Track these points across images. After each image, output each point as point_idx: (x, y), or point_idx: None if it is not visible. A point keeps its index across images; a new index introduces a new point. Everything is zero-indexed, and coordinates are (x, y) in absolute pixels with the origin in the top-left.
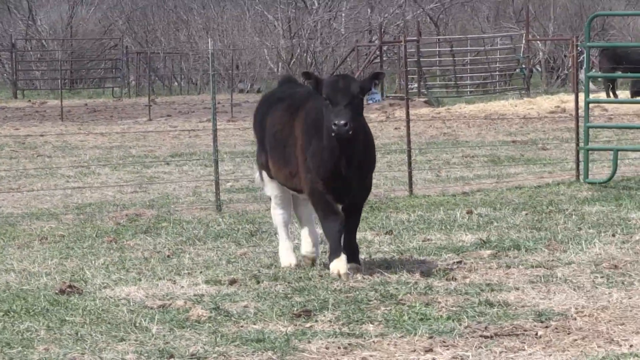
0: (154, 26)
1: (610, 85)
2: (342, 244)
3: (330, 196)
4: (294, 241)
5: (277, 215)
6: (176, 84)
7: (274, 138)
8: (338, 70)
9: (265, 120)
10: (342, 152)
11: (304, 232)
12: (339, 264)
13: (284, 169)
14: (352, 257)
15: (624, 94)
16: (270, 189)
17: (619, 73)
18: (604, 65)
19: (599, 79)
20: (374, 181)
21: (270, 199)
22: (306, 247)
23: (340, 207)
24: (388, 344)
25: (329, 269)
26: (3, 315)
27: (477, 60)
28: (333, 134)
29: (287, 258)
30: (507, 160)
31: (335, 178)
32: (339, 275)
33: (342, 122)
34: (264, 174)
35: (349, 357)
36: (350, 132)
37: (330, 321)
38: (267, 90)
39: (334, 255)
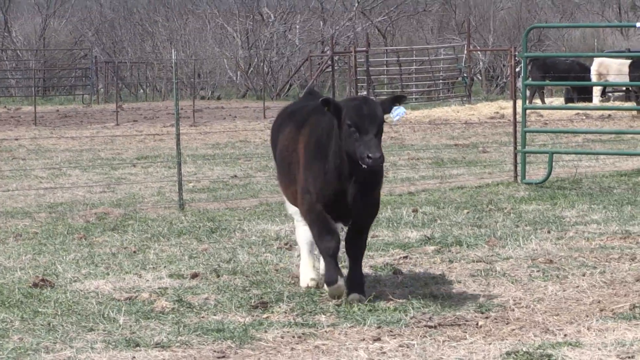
0: (121, 37)
1: (543, 92)
2: (338, 267)
3: (330, 217)
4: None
5: (300, 232)
6: (142, 91)
7: (280, 155)
8: (293, 78)
9: (278, 136)
10: (351, 176)
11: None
12: (336, 291)
13: (290, 187)
14: (356, 287)
15: (558, 100)
16: (290, 206)
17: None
18: (534, 75)
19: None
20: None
21: (293, 217)
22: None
23: (343, 229)
24: (339, 334)
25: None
26: None
27: (422, 69)
28: (365, 166)
29: (305, 279)
30: (450, 162)
31: (339, 200)
32: (334, 298)
33: (378, 155)
34: (282, 190)
35: (302, 345)
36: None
37: (285, 312)
38: (285, 106)
39: (329, 280)
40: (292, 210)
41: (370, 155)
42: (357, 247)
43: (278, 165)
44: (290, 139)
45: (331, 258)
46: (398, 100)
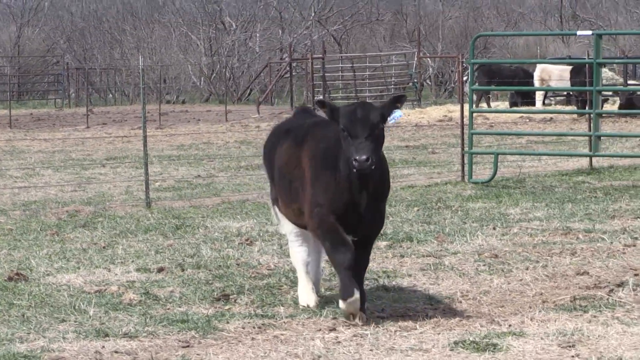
0: (91, 45)
1: (489, 97)
2: (354, 280)
3: (342, 228)
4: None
5: (295, 252)
6: (111, 96)
7: (280, 172)
8: (253, 83)
9: (273, 154)
10: (361, 185)
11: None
12: (353, 306)
13: (292, 204)
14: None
15: (503, 104)
16: (284, 225)
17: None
18: (481, 80)
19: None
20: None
21: (287, 236)
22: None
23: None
24: (297, 324)
25: (338, 307)
26: None
27: (375, 75)
28: (354, 170)
29: (305, 297)
30: (401, 162)
31: (350, 211)
32: (352, 317)
33: (364, 157)
34: (276, 209)
35: (262, 335)
36: (373, 167)
37: (246, 304)
38: (277, 122)
39: (346, 293)
40: (287, 229)
41: (357, 157)
42: (361, 262)
43: (277, 183)
44: (291, 155)
45: (347, 271)
46: (398, 100)
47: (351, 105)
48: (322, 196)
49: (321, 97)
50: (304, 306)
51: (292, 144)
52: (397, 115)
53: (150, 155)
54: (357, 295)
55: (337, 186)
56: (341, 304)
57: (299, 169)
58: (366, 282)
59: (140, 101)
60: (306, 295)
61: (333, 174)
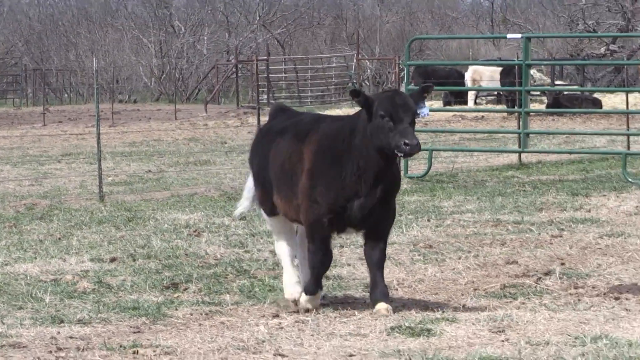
0: (48, 47)
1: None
2: (321, 283)
3: (335, 230)
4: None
5: (281, 247)
6: (66, 95)
7: (280, 170)
8: (201, 84)
9: (267, 155)
10: (377, 175)
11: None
12: (311, 302)
13: (294, 201)
14: (383, 297)
15: (437, 103)
16: (271, 225)
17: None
18: (416, 80)
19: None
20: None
21: (272, 234)
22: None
23: (362, 234)
24: (242, 311)
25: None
26: None
27: (317, 76)
28: (401, 154)
29: (291, 290)
30: None
31: (354, 204)
32: (308, 312)
33: (415, 141)
34: (262, 211)
35: (209, 322)
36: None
37: (194, 292)
38: (262, 126)
39: (309, 290)
40: (272, 228)
41: (407, 142)
42: (379, 255)
43: (275, 183)
44: (292, 151)
45: (319, 274)
46: (426, 90)
47: (387, 93)
48: (323, 194)
49: (265, 97)
50: (289, 299)
51: (294, 141)
52: (425, 112)
53: (103, 152)
54: (319, 295)
55: (343, 182)
56: (302, 296)
57: (301, 163)
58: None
59: (94, 100)
60: (292, 288)
61: (338, 170)
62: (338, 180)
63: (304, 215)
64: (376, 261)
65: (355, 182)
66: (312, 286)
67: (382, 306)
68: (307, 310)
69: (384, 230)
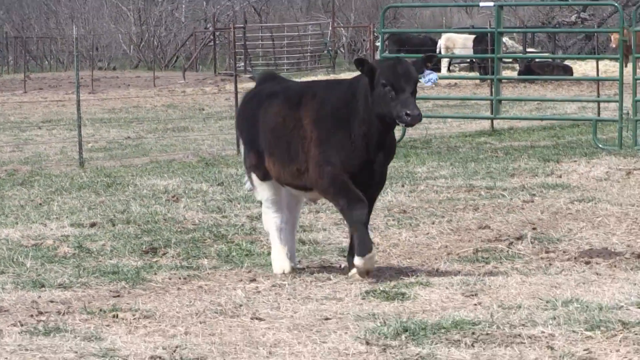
0: (28, 15)
1: None
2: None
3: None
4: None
5: (269, 219)
6: (47, 63)
7: (272, 134)
8: (180, 51)
9: (256, 118)
10: (379, 143)
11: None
12: (370, 262)
13: (290, 166)
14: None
15: None
16: (262, 191)
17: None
18: (391, 48)
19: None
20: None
21: (261, 202)
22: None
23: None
24: (220, 275)
25: (352, 264)
26: None
27: (293, 43)
28: (403, 124)
29: (280, 264)
30: None
31: (363, 170)
32: (367, 273)
33: (417, 112)
34: (254, 176)
35: (187, 286)
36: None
37: (172, 257)
38: (249, 90)
39: (364, 248)
40: (264, 195)
41: (408, 112)
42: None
43: (266, 148)
44: (285, 116)
45: (364, 227)
46: (429, 59)
47: (389, 61)
48: (335, 156)
49: (242, 65)
50: (278, 273)
51: (287, 106)
52: (434, 78)
53: (83, 118)
54: (374, 251)
55: (352, 145)
56: (357, 260)
57: (300, 130)
58: None
59: (74, 68)
60: (281, 261)
61: (346, 134)
62: (348, 143)
63: (320, 182)
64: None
65: (362, 147)
66: (364, 244)
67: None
68: (367, 272)
69: (378, 193)
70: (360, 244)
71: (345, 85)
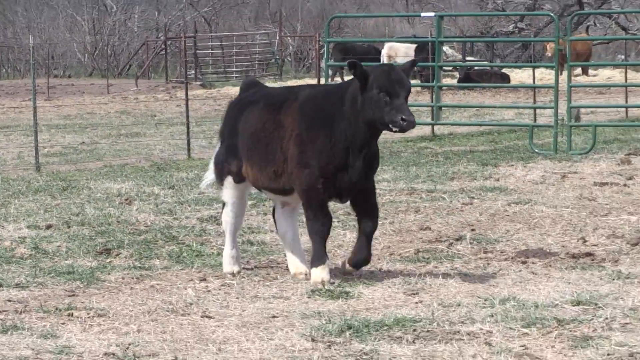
0: None
1: (342, 72)
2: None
3: (327, 195)
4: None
5: (229, 220)
6: (4, 70)
7: (251, 139)
8: (132, 60)
9: (237, 125)
10: (362, 146)
11: (293, 250)
12: (323, 273)
13: (267, 168)
14: (363, 263)
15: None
16: (229, 195)
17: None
18: (336, 57)
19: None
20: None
21: (225, 204)
22: (297, 264)
23: (356, 210)
24: (171, 275)
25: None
26: None
27: (241, 52)
28: (396, 129)
29: (230, 266)
30: None
31: (341, 173)
32: (323, 284)
33: (412, 118)
34: (229, 179)
35: (140, 285)
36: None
37: (125, 257)
38: (234, 97)
39: (318, 261)
40: (229, 198)
41: (404, 117)
42: (372, 228)
43: (245, 151)
44: (266, 120)
45: (322, 240)
46: (414, 64)
47: (382, 67)
48: (315, 157)
49: (193, 72)
50: (228, 273)
51: (269, 109)
52: None
53: (39, 124)
54: (327, 263)
55: (333, 149)
56: (312, 271)
57: (279, 131)
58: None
59: (30, 75)
60: (230, 264)
61: (327, 137)
62: (327, 146)
63: (298, 183)
64: (369, 232)
65: (343, 151)
66: (320, 255)
67: (351, 269)
68: (323, 282)
69: (374, 204)
70: (315, 256)
71: (330, 89)
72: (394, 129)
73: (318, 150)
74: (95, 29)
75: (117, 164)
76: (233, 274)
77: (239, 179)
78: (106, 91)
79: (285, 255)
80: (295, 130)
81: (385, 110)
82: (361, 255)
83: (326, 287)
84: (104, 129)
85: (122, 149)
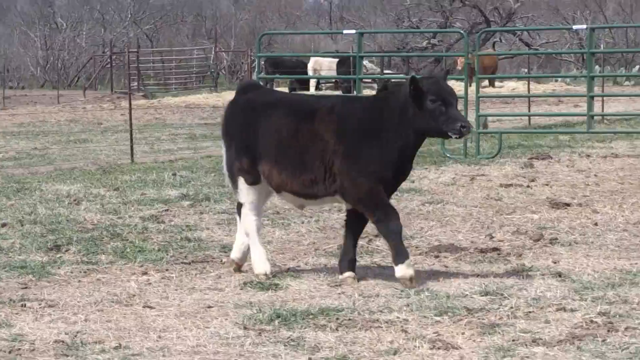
0: None
1: (272, 84)
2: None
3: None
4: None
5: (251, 221)
6: None
7: (280, 145)
8: (81, 72)
9: (253, 126)
10: (412, 154)
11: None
12: (409, 269)
13: (303, 175)
14: (353, 265)
15: (285, 90)
16: (247, 195)
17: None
18: (267, 70)
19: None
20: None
21: (243, 205)
22: (237, 253)
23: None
24: (115, 269)
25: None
26: None
27: (180, 65)
28: (455, 136)
29: (262, 265)
30: (201, 137)
31: (393, 180)
32: (411, 280)
33: (469, 124)
34: (241, 179)
35: (87, 278)
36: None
37: (74, 253)
38: (236, 97)
39: (402, 257)
40: (246, 198)
41: (463, 124)
42: (362, 227)
43: (276, 154)
44: (297, 128)
45: (399, 236)
46: (447, 74)
47: (432, 79)
48: (372, 166)
49: (136, 84)
50: (260, 274)
51: (299, 118)
52: None
53: None
54: (411, 258)
55: (386, 157)
56: (398, 269)
57: (317, 143)
58: (172, 234)
59: None
60: (261, 263)
61: (378, 148)
62: (379, 157)
63: (356, 195)
64: (359, 232)
65: (395, 159)
66: (402, 252)
67: (349, 275)
68: (411, 279)
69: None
70: (397, 254)
71: (367, 101)
72: (453, 136)
73: (374, 160)
74: (47, 44)
75: (67, 168)
76: (266, 275)
77: (252, 180)
78: (57, 101)
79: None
80: (341, 144)
81: (441, 120)
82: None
83: (414, 284)
84: (55, 135)
85: (71, 154)
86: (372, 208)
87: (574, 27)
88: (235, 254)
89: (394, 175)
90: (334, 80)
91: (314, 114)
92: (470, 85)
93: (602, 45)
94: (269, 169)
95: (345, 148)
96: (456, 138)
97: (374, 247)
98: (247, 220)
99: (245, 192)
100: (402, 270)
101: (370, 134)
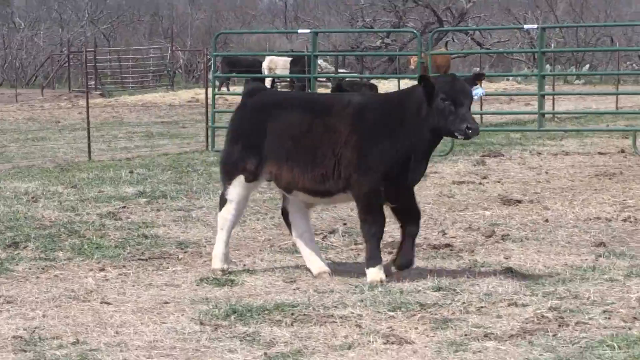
0: None
1: (228, 83)
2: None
3: (386, 198)
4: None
5: (229, 218)
6: None
7: (291, 141)
8: (38, 71)
9: (261, 126)
10: (425, 152)
11: (311, 250)
12: (380, 273)
13: (314, 170)
14: (409, 264)
15: (240, 89)
16: (236, 194)
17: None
18: (224, 69)
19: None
20: (58, 149)
21: (227, 202)
22: (318, 264)
23: (400, 215)
24: (73, 266)
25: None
26: None
27: (137, 64)
28: (461, 136)
29: (220, 263)
30: (158, 135)
31: (405, 178)
32: (381, 283)
33: (476, 125)
34: (240, 178)
35: (45, 275)
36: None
37: (32, 249)
38: (244, 101)
39: (374, 261)
40: (234, 197)
41: (470, 125)
42: (417, 230)
43: (287, 151)
44: (312, 123)
45: (378, 241)
46: (478, 77)
47: (446, 78)
48: (377, 163)
49: (93, 83)
50: (218, 269)
51: (314, 113)
52: (481, 92)
53: None
54: (382, 263)
55: (397, 154)
56: (368, 272)
57: (331, 135)
58: (129, 230)
59: None
60: (221, 260)
61: (391, 143)
62: (391, 151)
63: (357, 187)
64: (414, 234)
65: (407, 156)
66: (376, 256)
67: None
68: (381, 282)
69: (417, 207)
70: (371, 257)
71: (385, 98)
72: (459, 137)
73: (381, 156)
74: (5, 44)
75: (25, 166)
76: (223, 271)
77: (252, 178)
78: (15, 100)
79: (303, 257)
80: (354, 135)
81: (449, 119)
82: (408, 258)
83: (383, 286)
84: (13, 134)
85: (29, 152)
86: (365, 208)
87: (525, 26)
88: (315, 265)
89: (404, 172)
90: (289, 80)
91: (330, 109)
92: None
93: (552, 45)
94: (275, 167)
95: (357, 141)
96: (461, 139)
97: (328, 243)
98: (227, 215)
99: (237, 190)
100: (373, 274)
101: (385, 130)
